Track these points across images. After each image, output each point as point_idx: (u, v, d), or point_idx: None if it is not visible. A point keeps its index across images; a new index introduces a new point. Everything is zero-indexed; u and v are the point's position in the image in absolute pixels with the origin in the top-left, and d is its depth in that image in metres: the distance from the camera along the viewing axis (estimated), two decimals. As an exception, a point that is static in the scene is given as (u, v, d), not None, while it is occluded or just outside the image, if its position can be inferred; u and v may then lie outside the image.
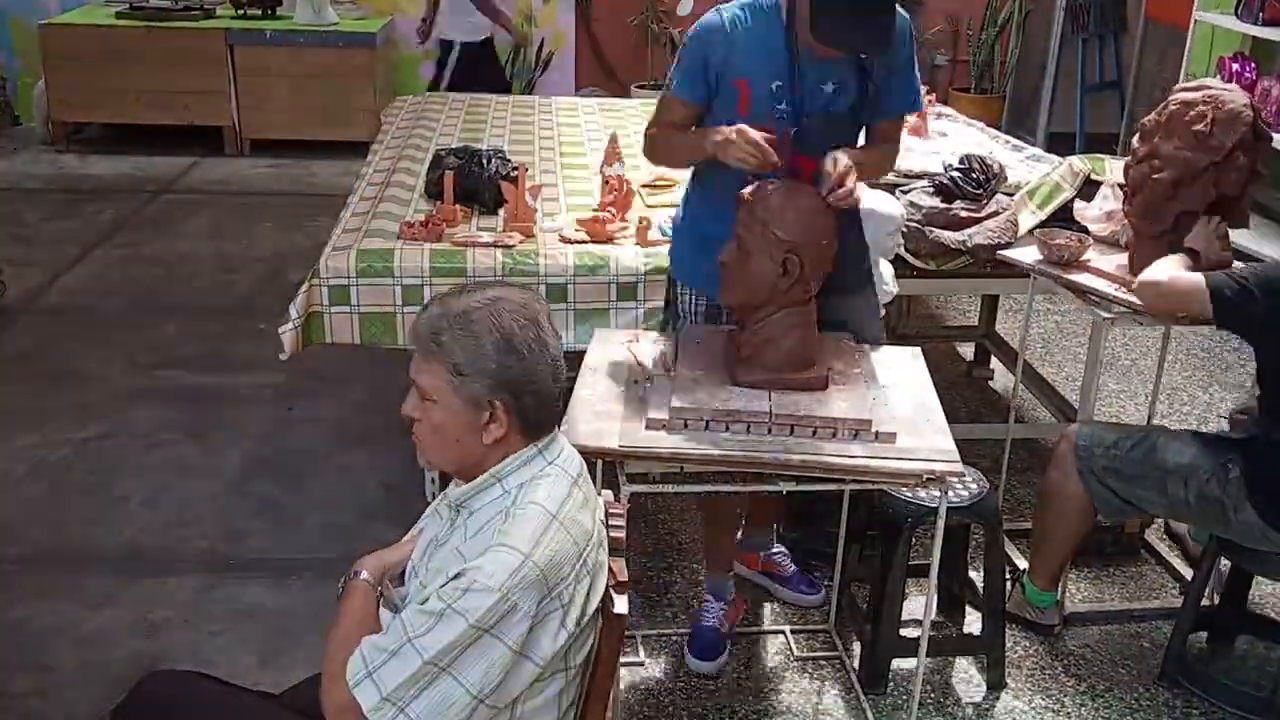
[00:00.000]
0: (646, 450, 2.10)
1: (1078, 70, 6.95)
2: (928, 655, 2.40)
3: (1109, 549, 3.14)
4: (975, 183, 3.16)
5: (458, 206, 3.21)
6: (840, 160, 2.23)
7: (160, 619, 2.79)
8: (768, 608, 2.92)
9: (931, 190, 3.21)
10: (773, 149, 2.20)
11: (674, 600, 2.93)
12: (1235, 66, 5.22)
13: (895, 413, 2.20)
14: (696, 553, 3.12)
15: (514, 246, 3.01)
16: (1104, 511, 2.69)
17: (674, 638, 2.78)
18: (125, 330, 4.42)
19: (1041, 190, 3.27)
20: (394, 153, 3.98)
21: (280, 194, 6.21)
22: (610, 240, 3.07)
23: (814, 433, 2.13)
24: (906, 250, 3.09)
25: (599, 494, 1.80)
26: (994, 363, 4.24)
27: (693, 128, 2.40)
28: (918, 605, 2.71)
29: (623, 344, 2.48)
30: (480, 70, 5.78)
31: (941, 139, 3.92)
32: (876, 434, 2.13)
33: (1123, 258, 2.87)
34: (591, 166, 3.72)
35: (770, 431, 2.13)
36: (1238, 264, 2.74)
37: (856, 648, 2.73)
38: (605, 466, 2.14)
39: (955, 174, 3.18)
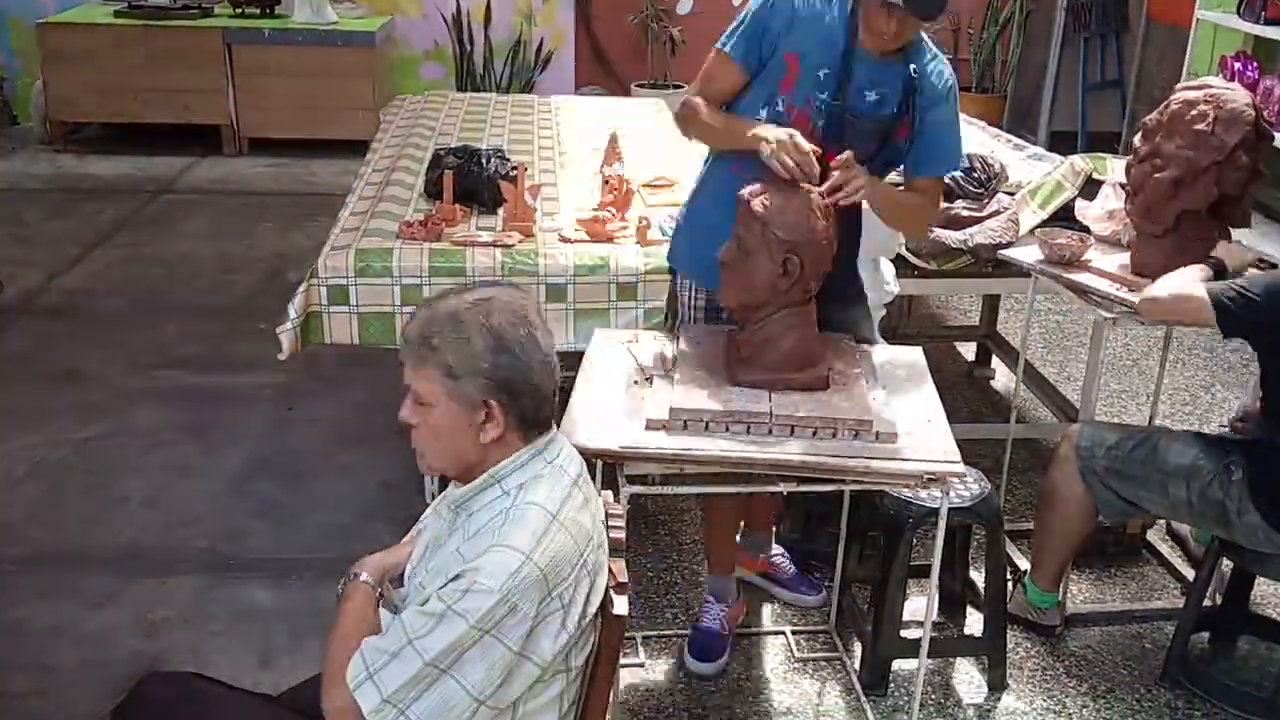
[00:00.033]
0: (647, 451, 2.10)
1: (1079, 69, 6.95)
2: (929, 656, 2.40)
3: (1111, 549, 3.14)
4: (977, 182, 3.16)
5: (457, 206, 3.20)
6: (847, 157, 2.22)
7: (160, 619, 2.79)
8: (768, 609, 2.92)
9: (932, 190, 3.20)
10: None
11: (674, 600, 2.92)
12: (1237, 65, 5.22)
13: (896, 413, 2.20)
14: (696, 553, 3.11)
15: (513, 246, 3.00)
16: (1106, 512, 2.68)
17: (674, 638, 2.77)
18: (125, 330, 4.42)
19: (1043, 189, 3.26)
20: (393, 152, 3.97)
21: (279, 193, 6.20)
22: (610, 240, 3.06)
23: (814, 433, 2.12)
24: (908, 250, 3.08)
25: (599, 495, 1.80)
26: (995, 362, 4.23)
27: (732, 99, 2.38)
28: (919, 606, 2.71)
29: (623, 344, 2.48)
30: None
31: (942, 138, 3.90)
32: (877, 434, 2.12)
33: (1124, 257, 2.86)
34: (591, 166, 3.72)
35: (770, 432, 2.13)
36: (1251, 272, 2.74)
37: (857, 649, 2.73)
38: (605, 467, 2.13)
39: (956, 173, 3.18)
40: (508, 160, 3.44)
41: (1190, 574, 2.98)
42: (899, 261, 2.98)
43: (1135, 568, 3.13)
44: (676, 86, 6.89)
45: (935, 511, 2.27)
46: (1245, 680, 2.70)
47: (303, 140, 6.75)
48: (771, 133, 2.21)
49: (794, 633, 2.81)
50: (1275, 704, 2.52)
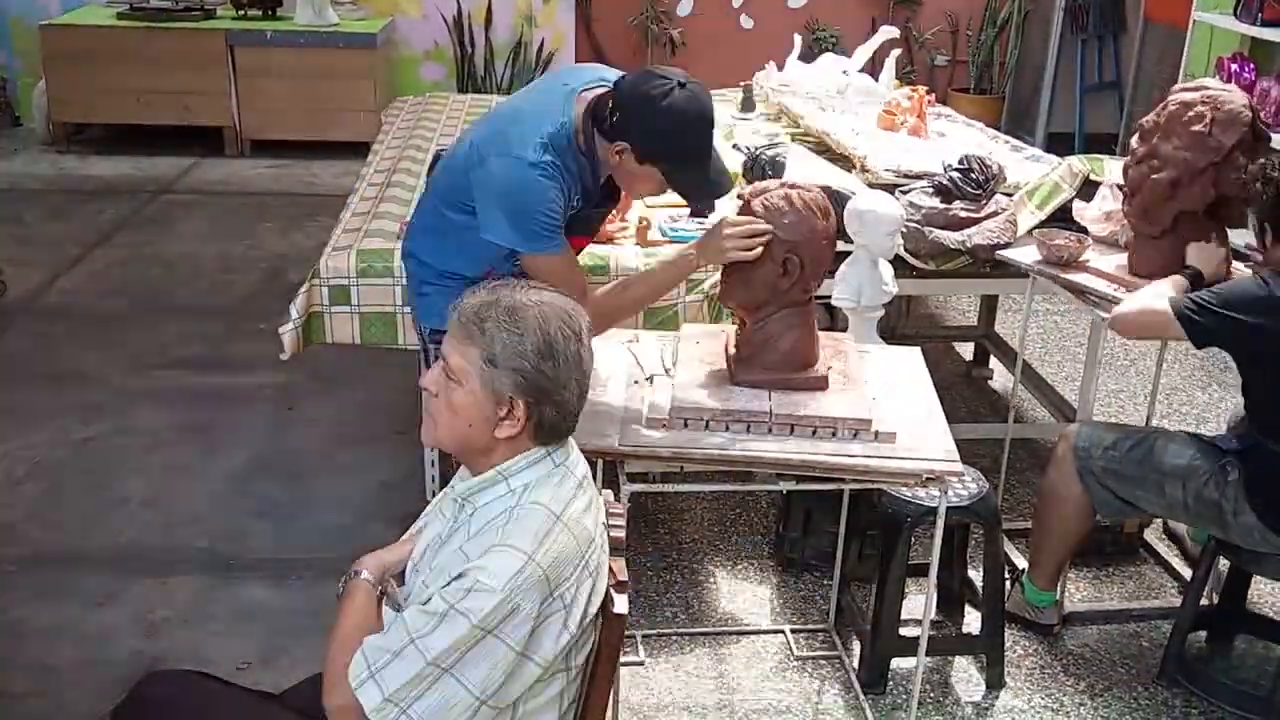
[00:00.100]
0: (647, 450, 2.11)
1: (1077, 70, 6.96)
2: (927, 655, 2.40)
3: (1108, 549, 3.14)
4: (975, 183, 3.16)
5: (458, 207, 3.20)
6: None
7: (160, 619, 2.79)
8: (767, 607, 2.93)
9: (931, 190, 3.21)
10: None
11: (674, 599, 2.93)
12: (1234, 67, 5.22)
13: (895, 412, 2.21)
14: (696, 552, 3.12)
15: (514, 247, 3.01)
16: (1103, 512, 2.69)
17: (674, 638, 2.78)
18: (125, 330, 4.42)
19: (1041, 190, 3.27)
20: (394, 153, 3.98)
21: (280, 194, 6.21)
22: (610, 240, 3.07)
23: (814, 432, 2.13)
24: (906, 250, 3.09)
25: (600, 495, 1.80)
26: (993, 363, 4.24)
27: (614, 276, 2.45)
28: (917, 605, 2.71)
29: (623, 344, 2.49)
30: None
31: (941, 139, 3.92)
32: (876, 434, 2.13)
33: (1122, 258, 2.87)
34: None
35: (770, 431, 2.13)
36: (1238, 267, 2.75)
37: (856, 647, 2.73)
38: (605, 466, 2.14)
39: (954, 174, 3.19)
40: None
41: (1187, 573, 2.98)
42: (897, 262, 2.98)
43: (1132, 567, 3.14)
44: (676, 88, 6.89)
45: (934, 510, 2.28)
46: (1242, 679, 2.71)
47: (304, 141, 6.76)
48: (706, 243, 2.25)
49: (793, 631, 2.82)
50: (1272, 702, 2.53)
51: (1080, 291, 2.83)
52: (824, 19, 7.12)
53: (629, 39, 7.29)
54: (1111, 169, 3.20)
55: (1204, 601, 2.76)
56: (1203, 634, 2.82)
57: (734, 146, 3.75)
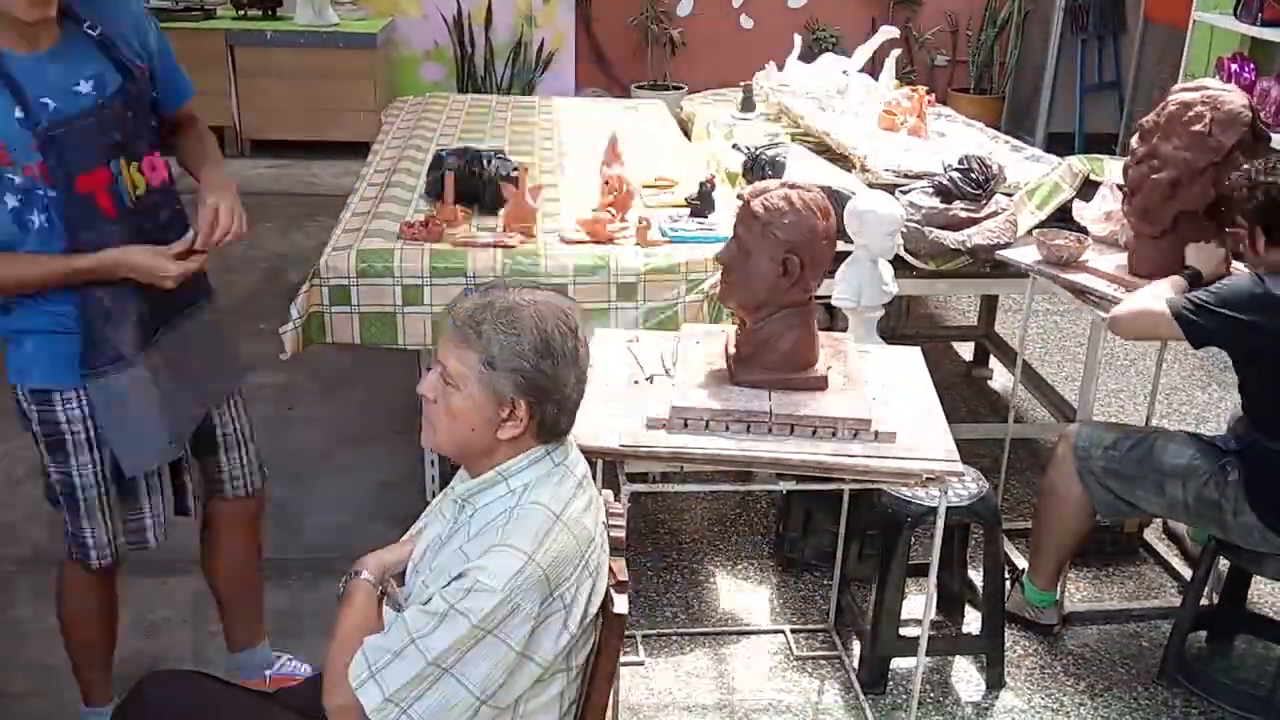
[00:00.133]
0: (646, 450, 2.11)
1: (1077, 70, 6.96)
2: (927, 654, 2.40)
3: (1108, 548, 3.15)
4: (974, 183, 3.16)
5: (458, 207, 3.21)
6: (209, 205, 2.04)
7: (160, 619, 2.79)
8: (767, 607, 2.93)
9: (931, 191, 3.21)
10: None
11: (674, 599, 2.93)
12: (1234, 67, 5.23)
13: (895, 412, 2.21)
14: (696, 552, 3.12)
15: (514, 247, 3.01)
16: (1103, 511, 2.70)
17: (674, 638, 2.78)
18: (125, 330, 4.42)
19: (1041, 190, 3.27)
20: (394, 153, 3.98)
21: (280, 194, 6.20)
22: (610, 240, 3.07)
23: (814, 432, 2.13)
24: (906, 250, 3.09)
25: (600, 495, 1.80)
26: (993, 363, 4.24)
27: None
28: (917, 605, 2.72)
29: (623, 344, 2.49)
30: None
31: (941, 139, 3.92)
32: (876, 434, 2.13)
33: (1122, 258, 2.87)
34: (591, 167, 3.72)
35: (770, 431, 2.13)
36: (1237, 266, 2.75)
37: (856, 647, 2.73)
38: (605, 466, 2.14)
39: (954, 174, 3.19)
40: (509, 161, 3.45)
41: (1187, 573, 2.98)
42: (897, 262, 2.98)
43: (1132, 567, 3.14)
44: (676, 87, 6.91)
45: (934, 510, 2.28)
46: (1242, 679, 2.71)
47: (304, 141, 6.76)
48: (144, 260, 1.97)
49: (793, 631, 2.82)
50: (1272, 702, 2.53)
51: (1080, 291, 2.83)
52: (824, 19, 7.13)
53: (629, 39, 7.29)
54: (1111, 169, 3.20)
55: (1204, 601, 2.76)
56: (1203, 634, 2.82)
57: (734, 146, 3.76)
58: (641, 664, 2.69)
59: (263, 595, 2.57)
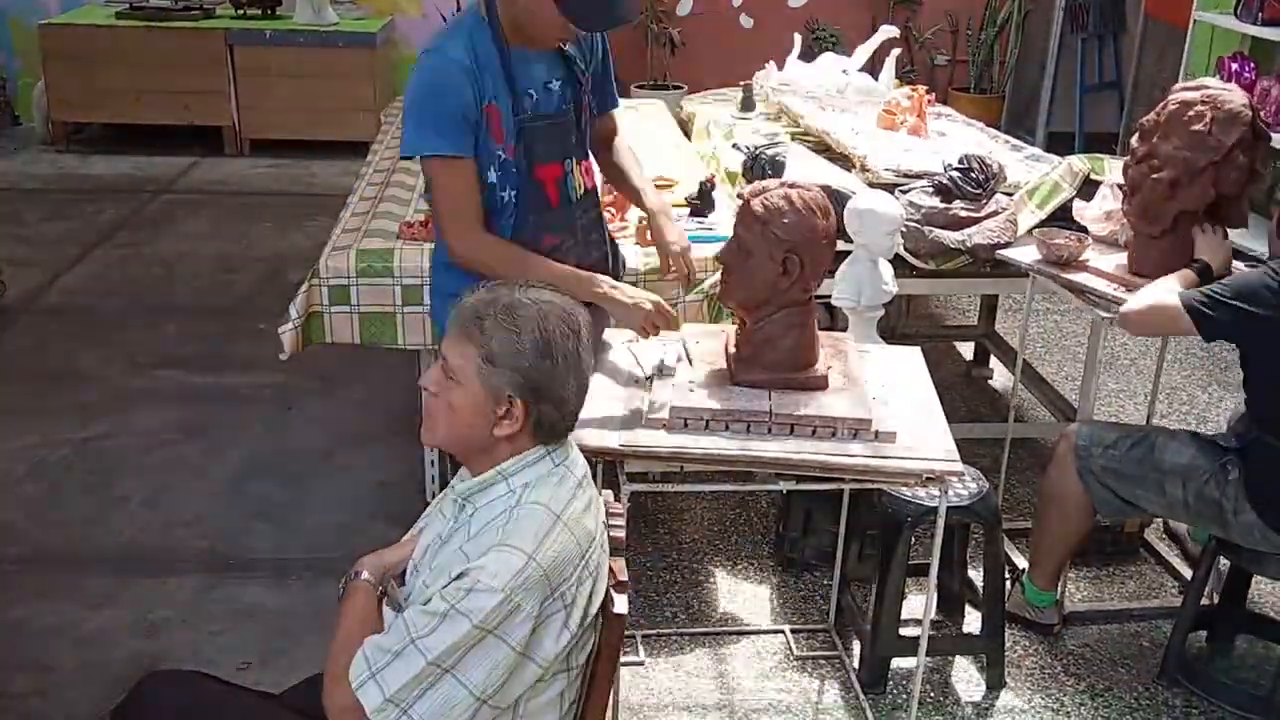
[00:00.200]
0: (646, 450, 2.11)
1: (1077, 70, 6.95)
2: (927, 654, 2.40)
3: (1108, 548, 3.14)
4: (975, 182, 3.16)
5: (458, 206, 3.20)
6: (683, 250, 2.35)
7: (160, 619, 2.79)
8: (767, 607, 2.93)
9: (931, 190, 3.21)
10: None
11: (674, 599, 2.93)
12: (1234, 66, 5.22)
13: (895, 412, 2.20)
14: (696, 552, 3.12)
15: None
16: (1103, 511, 2.69)
17: (674, 638, 2.78)
18: (125, 330, 4.42)
19: (1041, 190, 3.27)
20: (394, 153, 3.98)
21: (280, 194, 6.21)
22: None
23: (814, 432, 2.13)
24: (906, 250, 3.09)
25: (600, 495, 1.80)
26: (993, 362, 4.24)
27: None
28: (917, 604, 2.71)
29: (623, 344, 2.49)
30: None
31: (941, 139, 3.92)
32: (876, 433, 2.13)
33: (1122, 257, 2.87)
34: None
35: (770, 431, 2.13)
36: (1238, 265, 2.74)
37: (856, 647, 2.73)
38: (605, 466, 2.14)
39: (954, 174, 3.19)
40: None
41: (1188, 573, 2.98)
42: (897, 261, 2.98)
43: (1133, 567, 3.14)
44: (676, 87, 6.90)
45: (934, 510, 2.28)
46: (1243, 679, 2.71)
47: (303, 141, 6.76)
48: (631, 299, 2.23)
49: (793, 631, 2.82)
50: (1273, 702, 2.52)
51: (1080, 291, 2.82)
52: (824, 18, 7.12)
53: (629, 39, 7.27)
54: (1111, 168, 3.20)
55: (1204, 601, 2.76)
56: (1203, 634, 2.81)
57: (734, 146, 3.75)
58: (641, 664, 2.69)
59: None
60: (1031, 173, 3.47)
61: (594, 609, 1.65)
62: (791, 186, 2.22)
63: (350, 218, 3.29)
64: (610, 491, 1.91)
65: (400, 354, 3.16)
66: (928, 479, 2.11)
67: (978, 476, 2.63)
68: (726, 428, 2.14)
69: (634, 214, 3.18)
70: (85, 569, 2.98)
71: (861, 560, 2.90)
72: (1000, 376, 4.21)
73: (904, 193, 3.22)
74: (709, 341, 2.40)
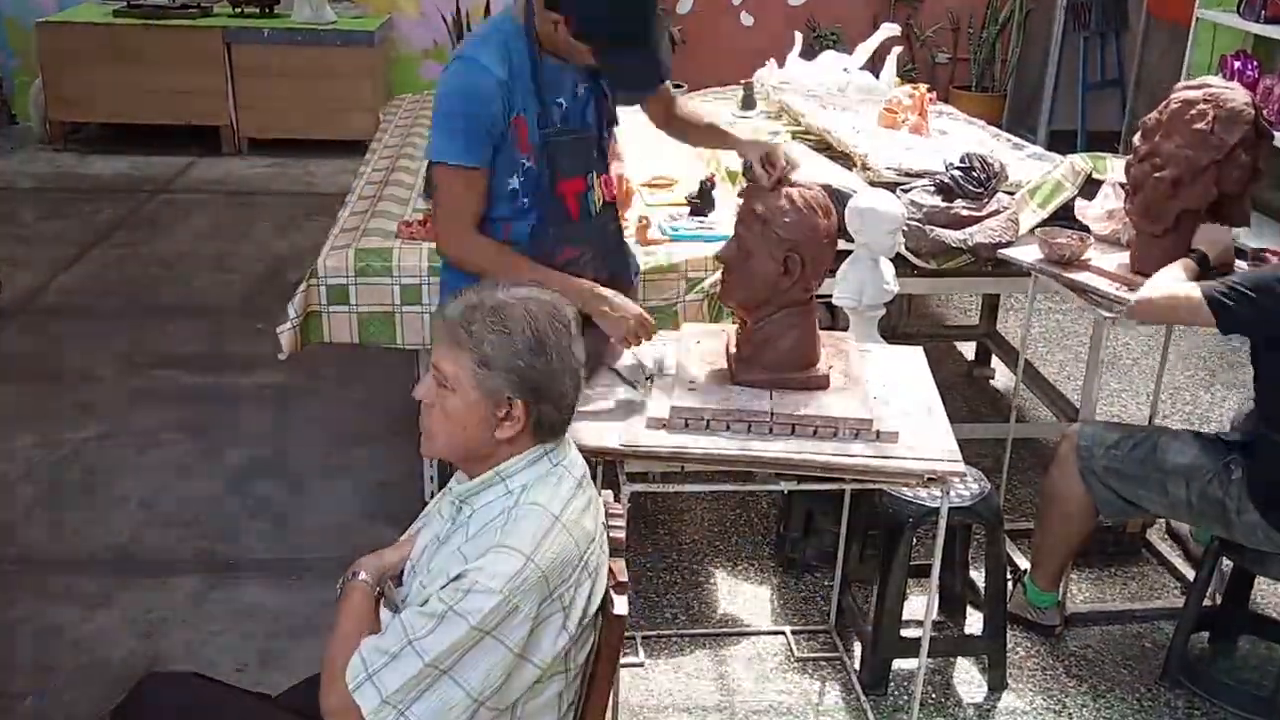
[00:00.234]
0: (647, 450, 2.10)
1: (1079, 68, 6.94)
2: (929, 656, 2.40)
3: (1110, 549, 3.14)
4: (976, 181, 3.15)
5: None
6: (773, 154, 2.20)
7: (159, 619, 2.79)
8: (768, 608, 2.92)
9: (932, 189, 3.20)
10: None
11: (674, 600, 2.92)
12: (1237, 64, 5.22)
13: (896, 412, 2.20)
14: (696, 552, 3.11)
15: (513, 245, 3.00)
16: (1105, 512, 2.68)
17: (674, 639, 2.77)
18: (124, 330, 4.41)
19: (1043, 189, 3.26)
20: (392, 152, 3.97)
21: (278, 193, 6.19)
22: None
23: (814, 432, 2.12)
24: (907, 249, 3.08)
25: (599, 496, 1.79)
26: (995, 362, 4.23)
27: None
28: (919, 605, 2.70)
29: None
30: None
31: (942, 137, 3.91)
32: (877, 433, 2.12)
33: (1124, 256, 2.86)
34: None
35: (770, 431, 2.12)
36: (1240, 265, 2.74)
37: (857, 648, 2.72)
38: (605, 466, 2.14)
39: (956, 173, 3.18)
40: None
41: (1190, 573, 2.97)
42: (898, 261, 2.97)
43: (1135, 567, 3.13)
44: (676, 85, 6.88)
45: (935, 511, 2.27)
46: (1245, 680, 2.70)
47: (302, 140, 6.75)
48: (618, 310, 2.20)
49: (794, 632, 2.81)
50: (1275, 703, 2.52)
51: (1082, 290, 2.82)
52: (825, 16, 7.11)
53: (629, 37, 7.27)
54: (1114, 167, 3.19)
55: (1207, 602, 2.75)
56: (1205, 635, 2.81)
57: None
58: (641, 665, 2.68)
59: None
60: (1033, 171, 3.46)
61: (593, 610, 1.64)
62: (792, 185, 2.21)
63: (349, 217, 3.28)
64: (610, 492, 1.90)
65: (399, 354, 3.15)
66: (929, 479, 2.10)
67: (979, 477, 2.63)
68: (727, 428, 2.13)
69: (634, 213, 3.17)
70: (84, 569, 2.97)
71: (863, 561, 2.89)
72: (1002, 376, 4.20)
73: (905, 191, 3.21)
74: (709, 341, 2.39)
